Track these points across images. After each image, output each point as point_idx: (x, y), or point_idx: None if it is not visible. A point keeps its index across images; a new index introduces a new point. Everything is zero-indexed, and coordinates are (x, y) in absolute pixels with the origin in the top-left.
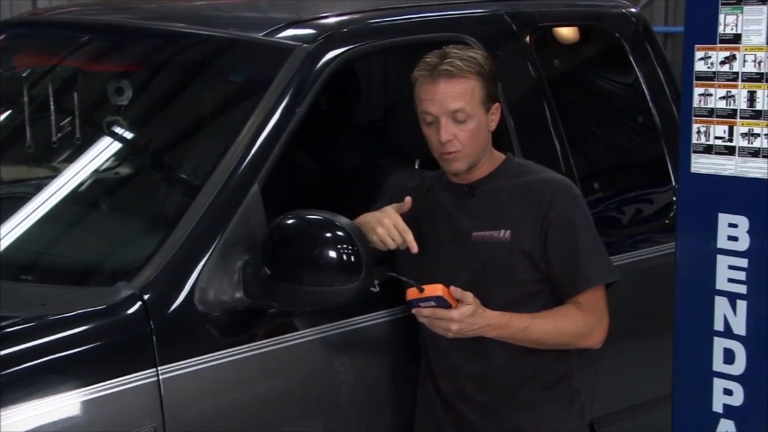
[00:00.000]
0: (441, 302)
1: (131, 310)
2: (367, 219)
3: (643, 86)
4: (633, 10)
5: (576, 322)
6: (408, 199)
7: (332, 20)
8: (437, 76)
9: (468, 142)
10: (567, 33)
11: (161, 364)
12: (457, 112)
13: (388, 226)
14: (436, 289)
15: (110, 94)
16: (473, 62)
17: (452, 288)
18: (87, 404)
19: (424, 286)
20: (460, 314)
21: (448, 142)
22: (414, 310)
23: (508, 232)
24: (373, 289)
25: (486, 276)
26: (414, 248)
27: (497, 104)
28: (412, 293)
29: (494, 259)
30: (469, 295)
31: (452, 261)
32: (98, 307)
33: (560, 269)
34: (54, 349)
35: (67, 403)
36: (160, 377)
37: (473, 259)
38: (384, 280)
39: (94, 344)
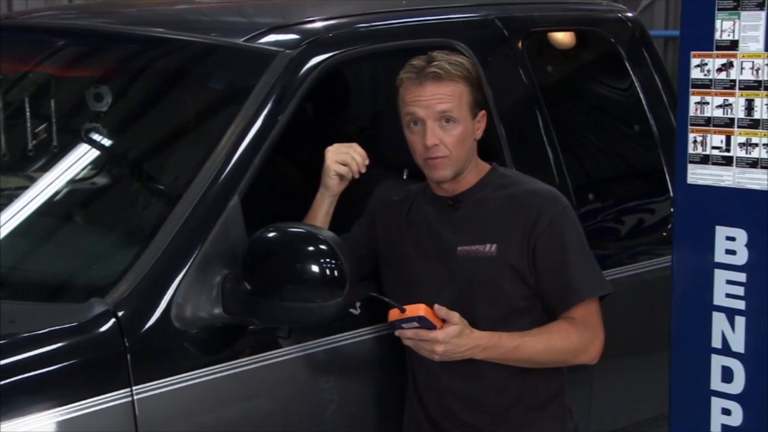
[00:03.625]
0: (424, 323)
1: (104, 328)
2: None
3: (640, 93)
4: (629, 14)
5: (569, 339)
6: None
7: (317, 25)
8: (424, 78)
9: (454, 147)
10: (561, 38)
11: (136, 384)
12: (444, 115)
13: (332, 147)
14: (417, 309)
15: (89, 101)
16: (460, 67)
17: (436, 307)
18: (58, 426)
19: (405, 307)
20: (445, 335)
21: (434, 146)
22: (397, 332)
23: (495, 246)
24: (353, 310)
25: (472, 292)
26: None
27: (483, 112)
28: (393, 314)
29: (480, 274)
30: (454, 315)
31: (437, 276)
32: (70, 325)
33: (550, 283)
34: (24, 368)
35: (37, 425)
36: (135, 397)
37: (458, 274)
38: (365, 300)
39: (66, 363)
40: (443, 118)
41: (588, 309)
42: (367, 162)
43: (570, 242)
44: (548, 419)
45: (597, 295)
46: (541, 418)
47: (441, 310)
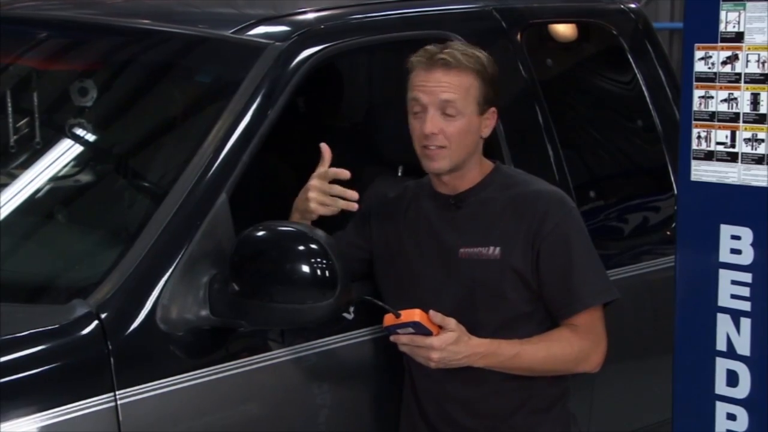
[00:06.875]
0: (419, 328)
1: (87, 330)
2: (297, 200)
3: (643, 87)
4: (632, 5)
5: (571, 347)
6: (324, 146)
7: (308, 17)
8: (433, 64)
9: (454, 140)
10: (561, 30)
11: (119, 389)
12: (448, 105)
13: (314, 186)
14: (413, 315)
15: (73, 95)
16: (474, 59)
17: (431, 313)
18: None
19: (401, 312)
20: (441, 342)
21: (432, 135)
22: (392, 338)
23: (498, 248)
24: (347, 315)
25: (474, 296)
26: (354, 197)
27: (494, 109)
28: (388, 319)
29: (483, 278)
30: (451, 322)
31: (437, 279)
32: (51, 327)
33: (553, 289)
34: (3, 372)
35: (16, 431)
36: (118, 402)
37: (460, 277)
38: (359, 303)
39: (47, 367)
40: (446, 108)
41: (591, 316)
42: (354, 202)
43: (575, 247)
44: (551, 423)
45: (601, 302)
46: (545, 422)
47: (436, 316)
